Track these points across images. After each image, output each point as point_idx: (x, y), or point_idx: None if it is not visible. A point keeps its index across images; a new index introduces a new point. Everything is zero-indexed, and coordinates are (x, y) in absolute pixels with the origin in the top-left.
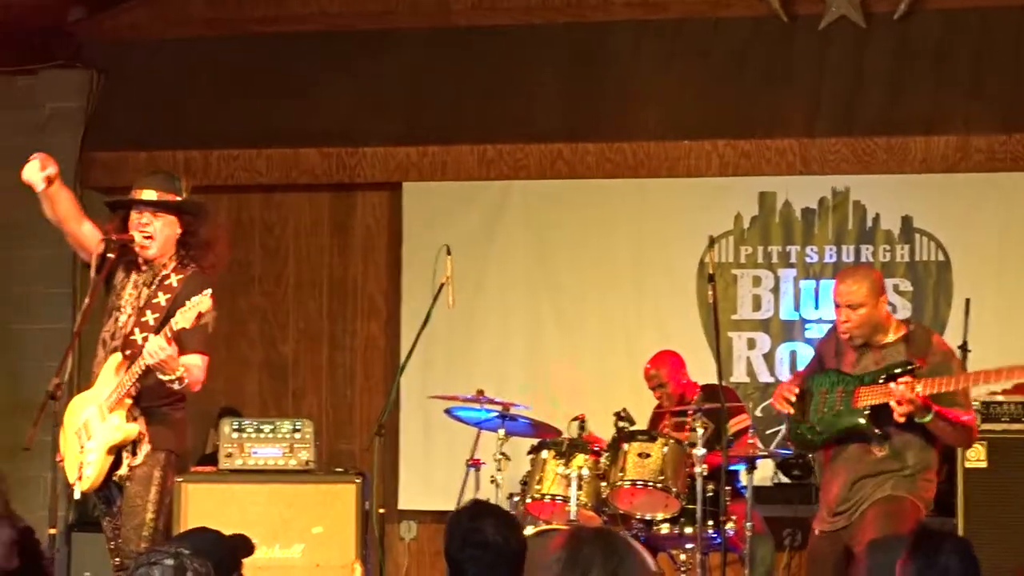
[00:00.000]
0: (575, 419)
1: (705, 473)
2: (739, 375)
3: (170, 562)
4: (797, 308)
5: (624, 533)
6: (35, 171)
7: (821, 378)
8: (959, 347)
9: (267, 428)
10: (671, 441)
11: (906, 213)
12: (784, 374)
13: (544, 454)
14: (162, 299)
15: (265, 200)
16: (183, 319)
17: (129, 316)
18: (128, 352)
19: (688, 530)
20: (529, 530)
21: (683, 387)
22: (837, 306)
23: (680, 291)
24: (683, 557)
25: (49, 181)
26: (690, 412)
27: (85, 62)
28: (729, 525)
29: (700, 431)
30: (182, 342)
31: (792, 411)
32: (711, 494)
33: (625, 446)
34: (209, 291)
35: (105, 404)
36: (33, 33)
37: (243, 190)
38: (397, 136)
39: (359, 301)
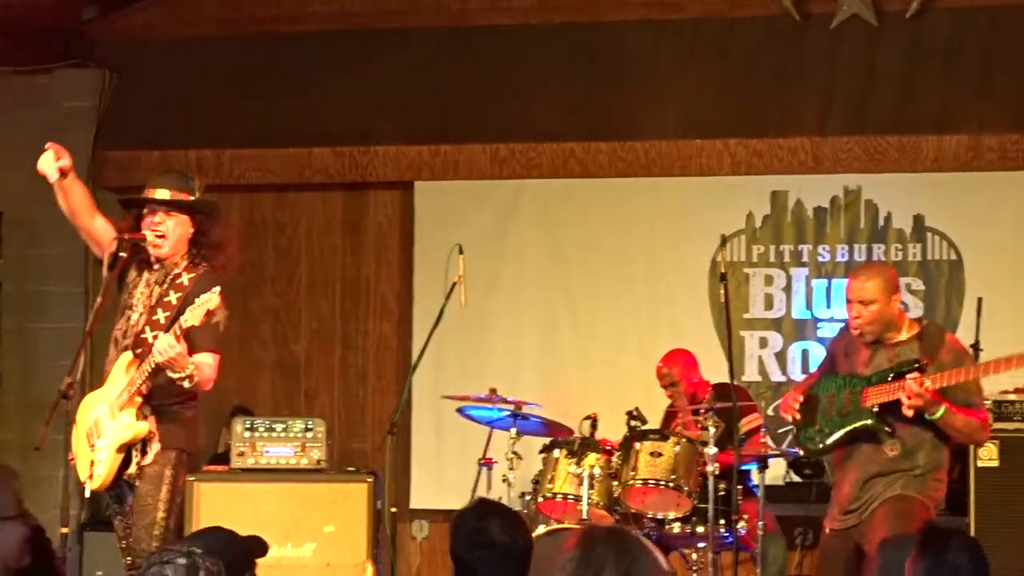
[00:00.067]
0: (587, 418)
1: (717, 472)
2: (751, 374)
3: (182, 561)
4: (809, 307)
5: (636, 532)
6: (49, 161)
7: (827, 382)
8: (971, 346)
9: (279, 427)
10: (683, 440)
11: (918, 212)
12: (796, 373)
13: (556, 453)
14: (173, 298)
15: (277, 199)
16: (192, 317)
17: (141, 315)
18: (139, 350)
19: (700, 529)
20: (541, 529)
21: (695, 386)
22: (849, 302)
23: (692, 290)
24: (695, 556)
25: (63, 172)
26: (702, 411)
27: (98, 61)
28: (741, 524)
29: (712, 430)
30: (193, 341)
31: (798, 417)
32: (723, 493)
33: (637, 445)
34: (218, 289)
35: (116, 403)
36: (46, 32)
37: (255, 189)
38: (409, 135)
39: (371, 300)
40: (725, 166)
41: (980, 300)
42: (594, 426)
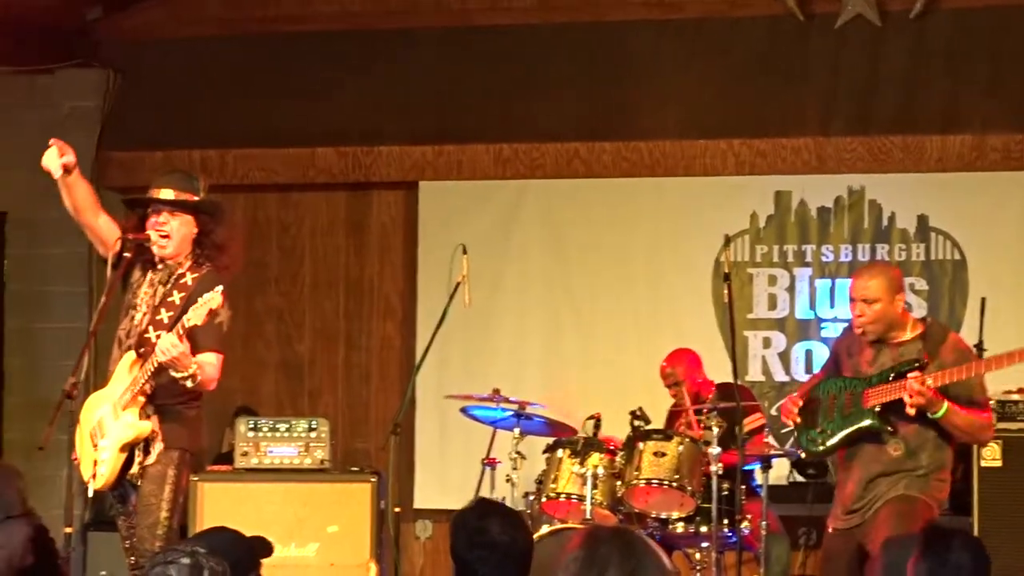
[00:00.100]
0: (590, 418)
1: (721, 472)
2: (754, 374)
3: (186, 561)
4: (813, 307)
5: (640, 532)
6: (53, 158)
7: (828, 384)
8: (975, 346)
9: (283, 427)
10: (686, 440)
11: (922, 212)
12: (799, 373)
13: (559, 453)
14: (177, 297)
15: (281, 199)
16: (195, 316)
17: (144, 314)
18: (142, 350)
19: (703, 529)
20: (545, 529)
21: (699, 385)
22: (852, 300)
23: (696, 290)
24: (698, 556)
25: (66, 169)
26: (705, 410)
27: (102, 61)
28: (744, 524)
29: (715, 430)
30: (196, 340)
31: (798, 421)
32: (726, 493)
33: (640, 445)
34: (220, 288)
35: (119, 402)
36: (50, 32)
37: (259, 189)
38: (413, 135)
39: (375, 300)
40: (729, 166)
41: (984, 300)
42: (597, 426)
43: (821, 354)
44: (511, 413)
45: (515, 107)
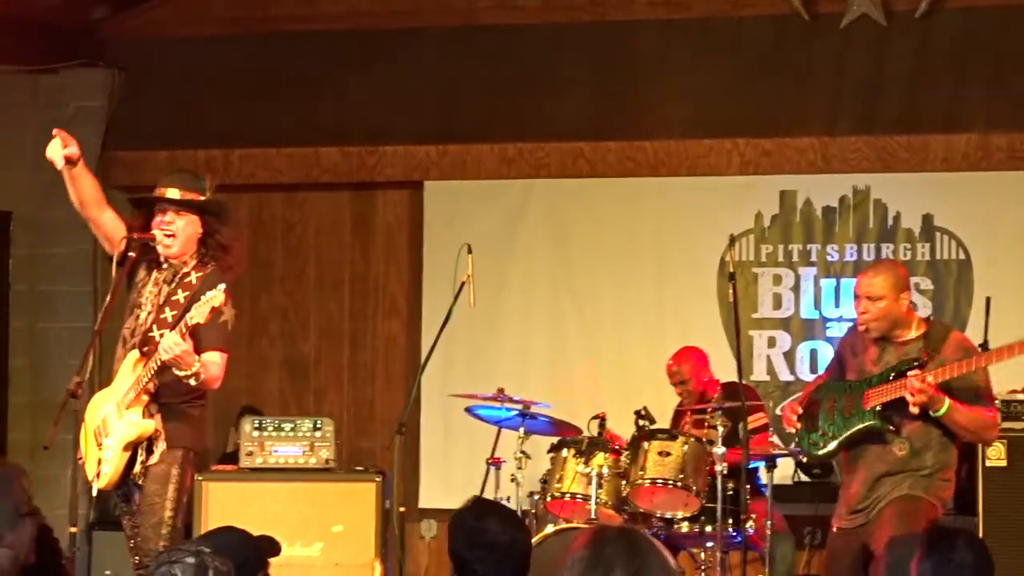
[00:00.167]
0: (595, 417)
1: (726, 471)
2: (759, 373)
3: (191, 560)
4: (817, 307)
5: (646, 532)
6: (56, 148)
7: (828, 388)
8: (980, 345)
9: (288, 427)
10: (691, 439)
11: (927, 211)
12: (804, 373)
13: (564, 452)
14: (181, 296)
15: (286, 199)
16: (197, 314)
17: (149, 313)
18: (146, 349)
19: (708, 528)
20: (549, 529)
21: (705, 384)
22: (857, 297)
23: (701, 290)
24: (703, 555)
25: (70, 161)
26: (709, 410)
27: (107, 61)
28: (749, 523)
29: (720, 429)
30: (200, 339)
31: (799, 427)
32: (731, 492)
33: (645, 444)
34: (223, 286)
35: (123, 401)
36: (55, 32)
37: (264, 189)
38: (418, 135)
39: (380, 300)
40: (734, 166)
41: (988, 299)
42: (602, 425)
43: (826, 354)
44: (516, 413)
45: (520, 107)
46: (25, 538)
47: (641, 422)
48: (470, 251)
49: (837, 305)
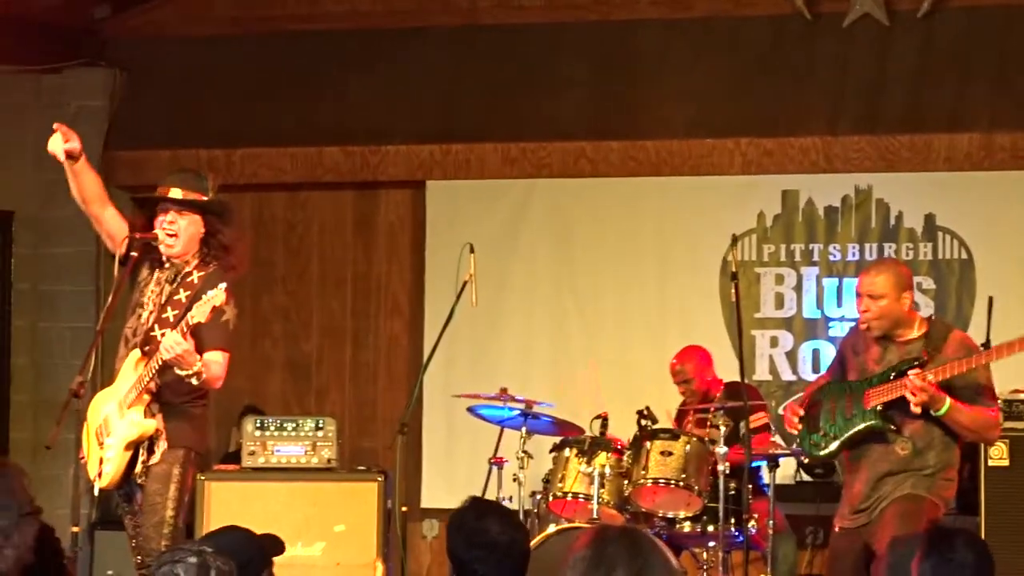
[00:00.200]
0: (597, 417)
1: (728, 471)
2: (762, 373)
3: (193, 560)
4: (820, 306)
5: (647, 531)
6: (57, 142)
7: (828, 389)
8: (981, 345)
9: (290, 426)
10: (694, 439)
11: (929, 211)
12: (806, 372)
13: (566, 452)
14: (183, 296)
15: (289, 199)
16: (199, 313)
17: (151, 313)
18: (147, 348)
19: (710, 528)
20: (551, 528)
21: (708, 384)
22: (859, 295)
23: (703, 289)
24: (705, 555)
25: (71, 155)
26: (712, 409)
27: (109, 61)
28: (751, 523)
29: (722, 429)
30: (202, 338)
31: (800, 428)
32: (733, 492)
33: (647, 444)
34: (223, 285)
35: (124, 400)
36: (57, 32)
37: (266, 188)
38: (420, 134)
39: (382, 299)
40: (736, 165)
41: (991, 299)
42: (605, 425)
43: (828, 353)
44: (518, 412)
45: (522, 106)
46: (27, 539)
47: (643, 422)
48: (472, 251)
49: (839, 305)
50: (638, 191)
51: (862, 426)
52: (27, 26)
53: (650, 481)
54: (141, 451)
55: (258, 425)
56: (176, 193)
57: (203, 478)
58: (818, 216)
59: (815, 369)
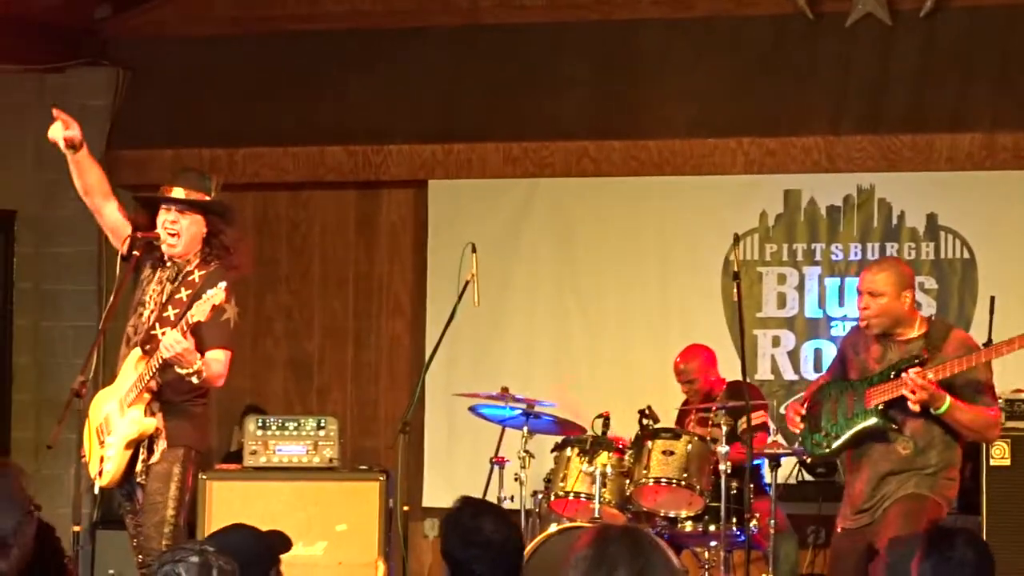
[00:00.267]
0: (599, 416)
1: (730, 471)
2: (764, 372)
3: (195, 559)
4: (822, 306)
5: (648, 531)
6: (57, 129)
7: (829, 388)
8: (983, 344)
9: (291, 425)
10: (695, 438)
11: (931, 211)
12: (808, 372)
13: (568, 452)
14: (184, 294)
15: (291, 198)
16: (199, 312)
17: (152, 311)
18: (148, 347)
19: (712, 528)
20: (553, 528)
21: (711, 383)
22: (859, 293)
23: (705, 289)
24: (707, 555)
25: (71, 144)
26: (713, 408)
27: (111, 60)
28: (753, 523)
29: (724, 428)
30: (203, 337)
31: (802, 427)
32: (735, 491)
33: (649, 443)
34: (223, 284)
35: (125, 399)
36: (59, 31)
37: (269, 188)
38: (423, 134)
39: (384, 299)
40: (738, 165)
41: (993, 299)
42: (606, 425)
43: (830, 353)
44: (520, 412)
45: (524, 106)
46: (28, 538)
47: (645, 421)
48: (474, 250)
49: (841, 304)
50: (640, 191)
51: (863, 425)
52: (29, 26)
53: (652, 480)
54: (141, 450)
55: (260, 424)
56: (178, 193)
57: (205, 477)
58: (820, 216)
59: (817, 369)
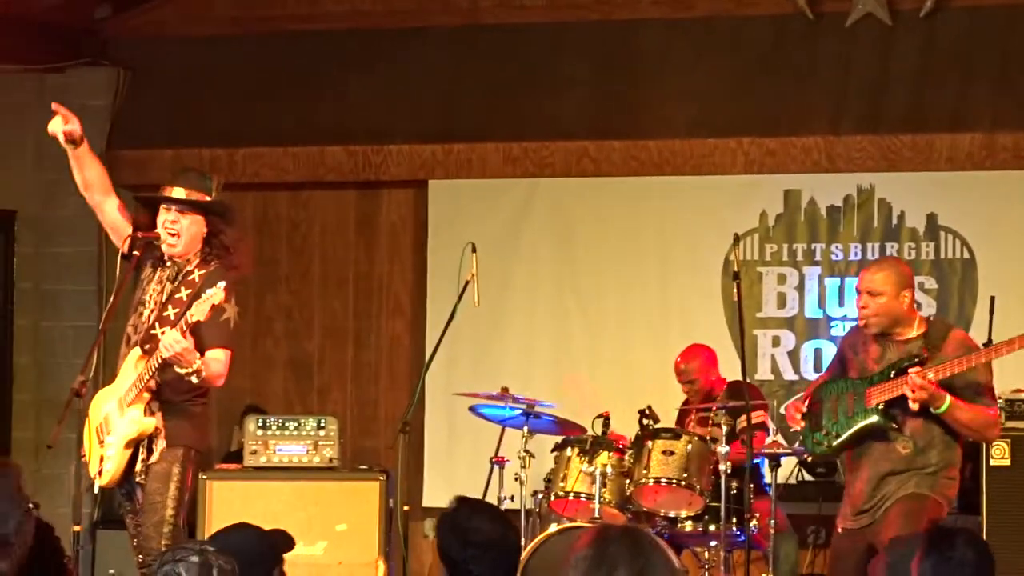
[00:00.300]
0: (599, 416)
1: (730, 471)
2: (764, 372)
3: (195, 559)
4: (822, 306)
5: (648, 531)
6: (57, 124)
7: (830, 387)
8: (983, 345)
9: (292, 425)
10: (695, 438)
11: (931, 211)
12: (808, 372)
13: (568, 452)
14: (184, 294)
15: (291, 198)
16: (198, 312)
17: (152, 311)
18: (148, 346)
19: (712, 527)
20: (553, 528)
21: (712, 383)
22: (858, 292)
23: (705, 289)
24: (707, 555)
25: (71, 139)
26: (713, 408)
27: (111, 60)
28: (753, 522)
29: (724, 428)
30: (203, 337)
31: (803, 425)
32: (735, 491)
33: (649, 443)
34: (223, 283)
35: (124, 398)
36: (59, 31)
37: (269, 188)
38: (423, 134)
39: (384, 299)
40: (738, 165)
41: (993, 299)
42: (606, 424)
43: (830, 353)
44: (520, 412)
45: (524, 106)
46: (28, 537)
47: (645, 421)
48: (474, 250)
49: (841, 304)
50: (640, 191)
51: (864, 423)
52: (29, 26)
53: (652, 480)
54: (141, 450)
55: (260, 424)
56: (179, 193)
57: (205, 477)
58: (820, 216)
59: (817, 368)
